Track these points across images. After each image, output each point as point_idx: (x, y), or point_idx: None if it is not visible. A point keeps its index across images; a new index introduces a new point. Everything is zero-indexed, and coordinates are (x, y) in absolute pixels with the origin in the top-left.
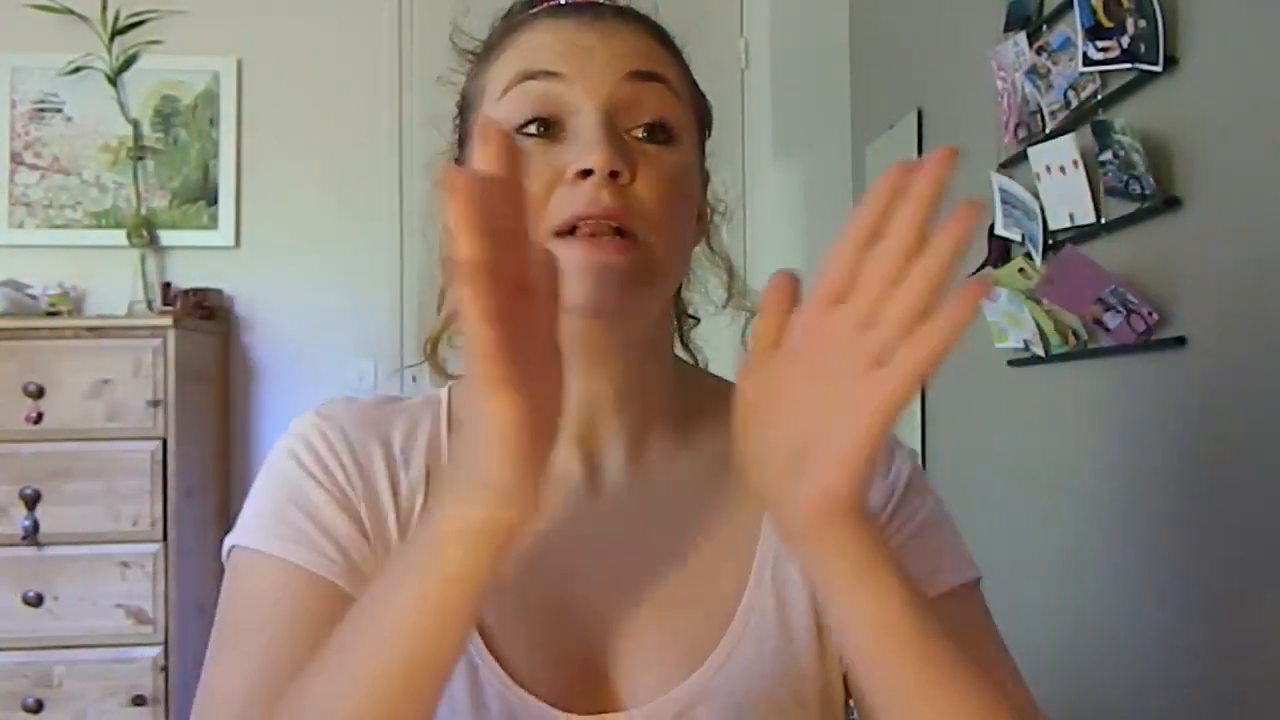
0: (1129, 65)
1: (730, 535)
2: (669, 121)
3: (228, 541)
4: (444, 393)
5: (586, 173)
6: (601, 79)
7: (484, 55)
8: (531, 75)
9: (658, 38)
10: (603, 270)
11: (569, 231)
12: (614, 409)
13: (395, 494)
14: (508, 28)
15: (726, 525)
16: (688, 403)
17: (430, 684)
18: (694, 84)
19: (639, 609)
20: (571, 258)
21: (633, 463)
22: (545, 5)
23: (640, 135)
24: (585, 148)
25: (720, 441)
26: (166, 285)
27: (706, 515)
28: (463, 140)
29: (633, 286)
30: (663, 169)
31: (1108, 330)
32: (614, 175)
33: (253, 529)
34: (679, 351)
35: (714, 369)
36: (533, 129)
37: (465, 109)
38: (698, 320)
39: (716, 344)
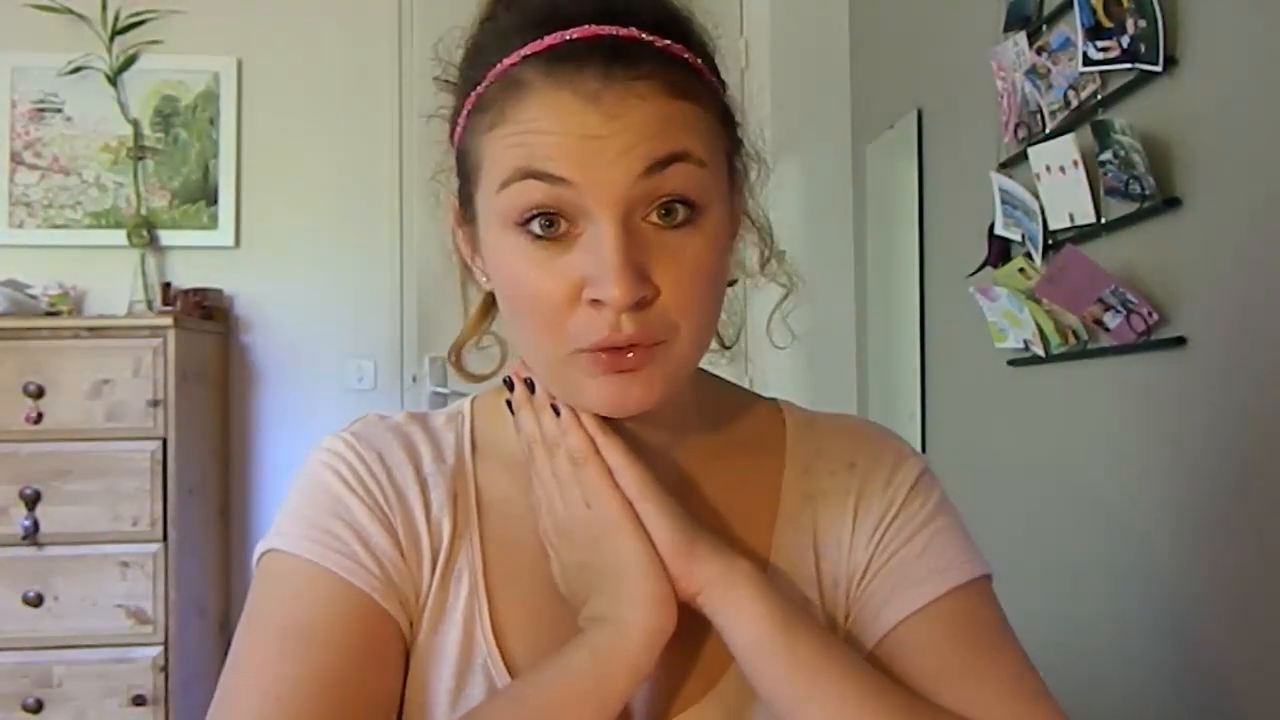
0: (1129, 65)
1: (743, 539)
2: (692, 198)
3: (260, 546)
4: (466, 409)
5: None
6: (614, 182)
7: (477, 111)
8: (534, 175)
9: (676, 88)
10: (627, 386)
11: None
12: (634, 430)
13: (428, 516)
14: (501, 84)
15: (742, 531)
16: (710, 423)
17: None
18: (720, 107)
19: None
20: (594, 374)
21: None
22: (543, 47)
23: (660, 218)
24: (601, 272)
25: (743, 463)
26: (166, 285)
27: (724, 523)
28: (467, 195)
29: (658, 391)
30: (686, 266)
31: (1108, 330)
32: (635, 304)
33: (291, 535)
34: None
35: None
36: (538, 228)
37: (466, 167)
38: (734, 282)
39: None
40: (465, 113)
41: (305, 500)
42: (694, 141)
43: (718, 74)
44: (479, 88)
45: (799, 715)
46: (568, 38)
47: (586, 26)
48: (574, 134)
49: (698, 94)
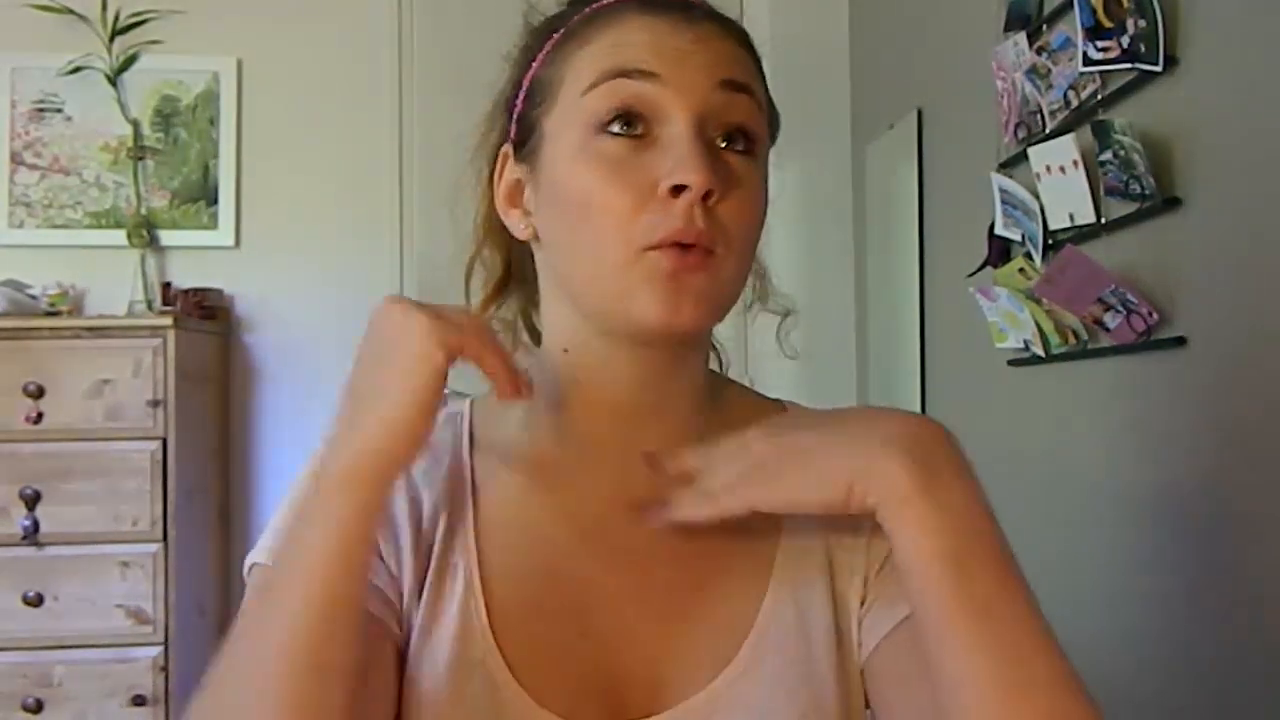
0: (1129, 65)
1: (750, 545)
2: (753, 132)
3: (249, 559)
4: (466, 408)
5: (680, 188)
6: (696, 84)
7: (563, 41)
8: (625, 73)
9: (746, 47)
10: (683, 294)
11: (656, 246)
12: (646, 423)
13: (420, 516)
14: (593, 15)
15: (746, 535)
16: (715, 414)
17: (349, 619)
18: (769, 96)
19: (659, 621)
20: (658, 275)
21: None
22: None
23: (725, 144)
24: (681, 162)
25: None
26: (166, 285)
27: (726, 525)
28: (530, 126)
29: (706, 304)
30: (748, 186)
31: (1108, 330)
32: (706, 196)
33: (274, 549)
34: None
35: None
36: (619, 128)
37: (538, 95)
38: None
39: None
40: (549, 46)
41: (292, 511)
42: (758, 89)
43: (766, 89)
44: (570, 21)
45: (955, 656)
46: None
47: None
48: (666, 44)
49: (759, 68)
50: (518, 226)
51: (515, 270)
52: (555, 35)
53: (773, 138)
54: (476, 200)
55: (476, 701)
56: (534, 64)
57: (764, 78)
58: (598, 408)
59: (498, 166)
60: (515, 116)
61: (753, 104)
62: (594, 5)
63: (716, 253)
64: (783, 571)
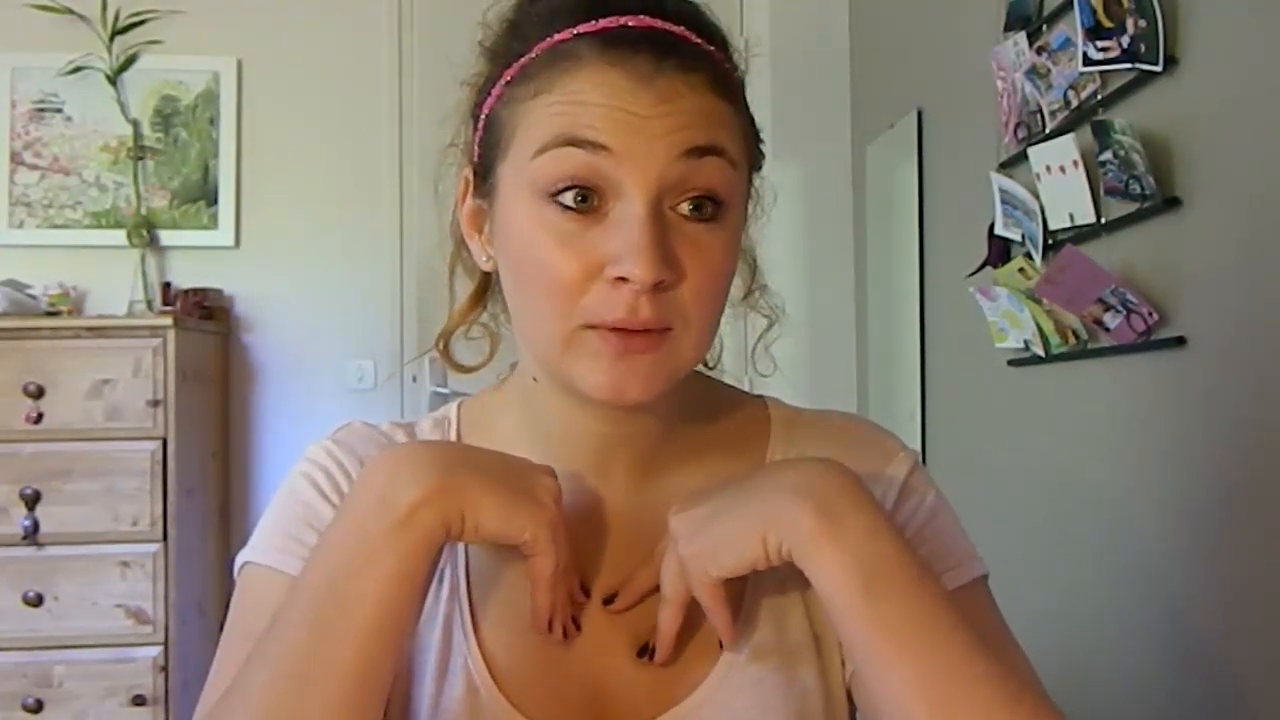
0: (1129, 65)
1: None
2: (721, 195)
3: (239, 558)
4: (453, 413)
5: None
6: (652, 159)
7: (519, 81)
8: (575, 142)
9: (720, 88)
10: (629, 371)
11: (596, 327)
12: (622, 442)
13: None
14: (550, 55)
15: None
16: (696, 421)
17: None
18: (750, 122)
19: (640, 632)
20: (599, 353)
21: (637, 486)
22: (598, 29)
23: (687, 211)
24: (629, 250)
25: (724, 459)
26: (166, 285)
27: None
28: (487, 166)
29: (658, 383)
30: (708, 259)
31: (1108, 330)
32: (657, 284)
33: (264, 547)
34: None
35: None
36: (569, 199)
37: (494, 134)
38: None
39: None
40: (503, 82)
41: (280, 511)
42: (731, 142)
43: (747, 114)
44: (524, 59)
45: (883, 681)
46: (624, 23)
47: (642, 16)
48: (622, 109)
49: (737, 101)
50: (480, 256)
51: (495, 279)
52: (511, 69)
53: (757, 166)
54: (453, 202)
55: (457, 707)
56: (490, 96)
57: (745, 108)
58: (570, 429)
59: (461, 188)
60: (476, 143)
61: (722, 163)
62: (551, 39)
63: (673, 329)
64: (760, 578)
